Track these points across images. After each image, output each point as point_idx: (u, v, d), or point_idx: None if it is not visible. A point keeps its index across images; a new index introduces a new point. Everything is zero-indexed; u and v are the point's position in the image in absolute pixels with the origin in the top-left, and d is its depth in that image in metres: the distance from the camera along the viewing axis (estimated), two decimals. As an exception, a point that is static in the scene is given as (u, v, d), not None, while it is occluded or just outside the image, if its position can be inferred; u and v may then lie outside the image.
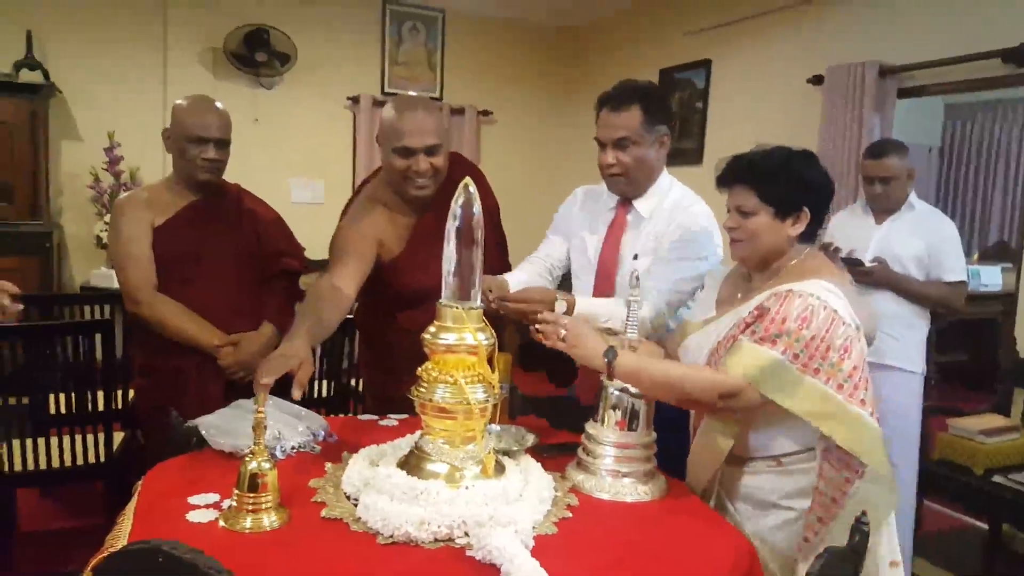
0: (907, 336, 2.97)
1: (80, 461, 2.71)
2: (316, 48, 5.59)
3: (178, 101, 2.42)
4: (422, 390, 1.51)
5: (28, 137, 4.74)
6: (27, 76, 4.81)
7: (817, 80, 4.24)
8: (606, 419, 1.67)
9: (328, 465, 1.67)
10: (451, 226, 1.51)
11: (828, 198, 1.72)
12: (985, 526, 3.29)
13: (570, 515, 1.50)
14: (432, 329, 1.52)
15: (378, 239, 2.25)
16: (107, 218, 4.79)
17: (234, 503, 1.38)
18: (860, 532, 1.35)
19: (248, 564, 1.19)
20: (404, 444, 1.69)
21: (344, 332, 3.01)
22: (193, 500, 1.45)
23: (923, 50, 3.78)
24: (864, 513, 1.39)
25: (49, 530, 3.14)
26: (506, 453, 1.65)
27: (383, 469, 1.48)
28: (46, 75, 4.85)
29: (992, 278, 5.47)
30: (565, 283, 2.34)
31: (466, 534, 1.33)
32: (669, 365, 1.69)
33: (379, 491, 1.41)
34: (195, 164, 2.35)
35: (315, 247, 2.82)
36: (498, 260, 2.38)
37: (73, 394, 2.72)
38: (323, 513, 1.43)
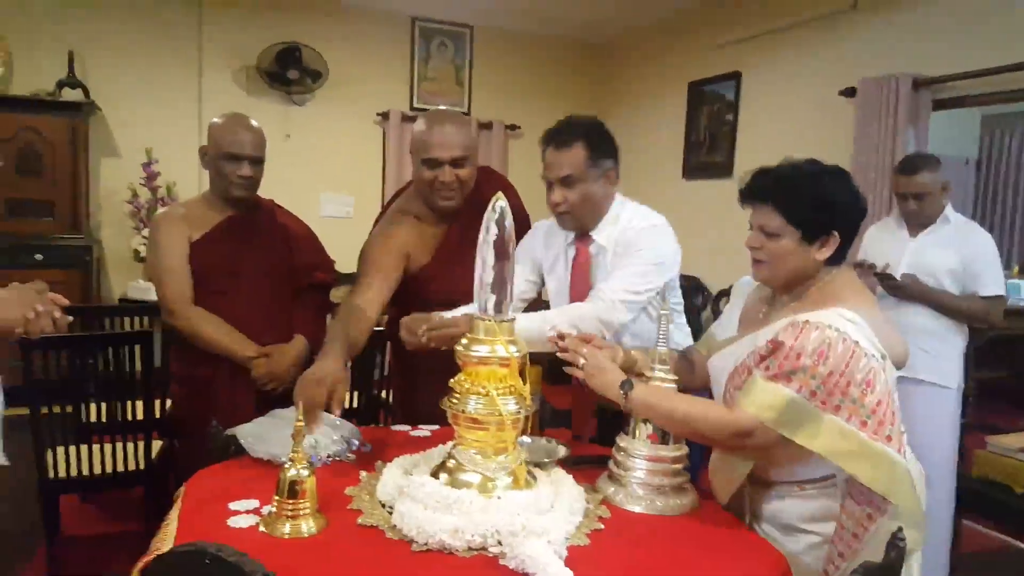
0: (941, 350, 2.93)
1: (120, 468, 2.78)
2: (347, 65, 5.68)
3: (214, 119, 2.49)
4: (455, 401, 1.54)
5: (69, 154, 4.88)
6: (69, 95, 4.95)
7: (849, 92, 4.21)
8: (637, 432, 1.68)
9: (362, 473, 1.70)
10: (484, 239, 1.54)
11: (860, 220, 1.62)
12: (1024, 546, 3.23)
13: (602, 527, 1.51)
14: (464, 341, 1.55)
15: (406, 252, 2.31)
16: (144, 232, 4.91)
17: (273, 509, 1.41)
18: (896, 548, 1.33)
19: (287, 569, 1.22)
20: (436, 454, 1.71)
21: (374, 344, 3.04)
22: (233, 506, 1.48)
23: (959, 61, 3.73)
24: (901, 529, 1.37)
25: (90, 535, 3.21)
26: (537, 465, 1.67)
27: (417, 478, 1.51)
28: (86, 93, 4.99)
29: (1033, 292, 5.39)
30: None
31: (499, 543, 1.35)
32: (683, 401, 1.62)
33: (413, 499, 1.44)
34: (230, 181, 2.42)
35: (345, 261, 2.87)
36: None
37: (116, 403, 2.79)
38: (359, 520, 1.45)
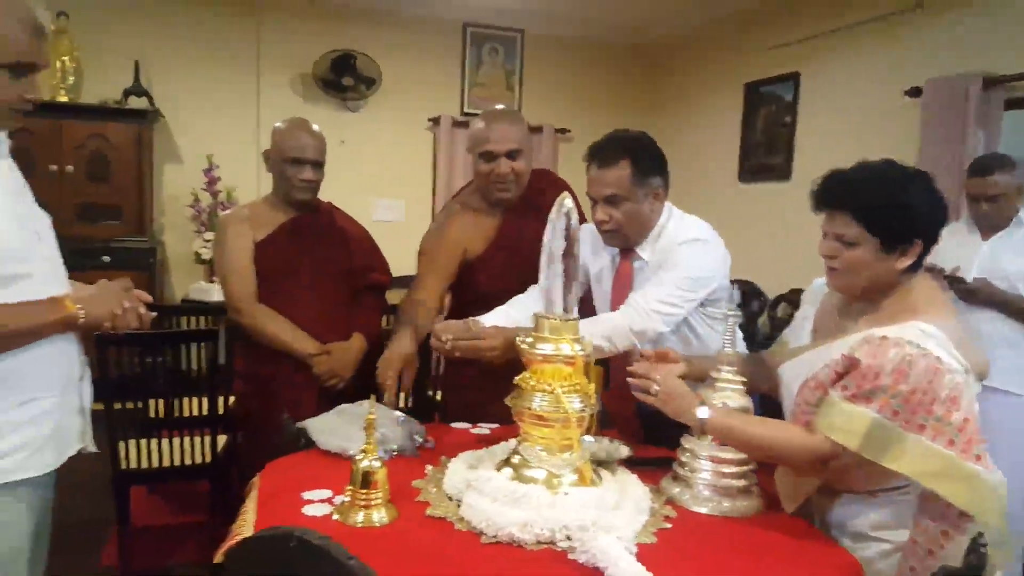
0: (1015, 357, 2.83)
1: (188, 461, 2.87)
2: (399, 71, 5.76)
3: (277, 124, 2.56)
4: (519, 398, 1.56)
5: (135, 160, 5.04)
6: (135, 102, 5.12)
7: (915, 93, 4.10)
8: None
9: (428, 467, 1.73)
10: (549, 239, 1.56)
11: (942, 226, 1.54)
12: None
13: (669, 526, 1.51)
14: (529, 339, 1.57)
15: (462, 244, 2.41)
16: (206, 236, 5.04)
17: (347, 499, 1.45)
18: (977, 553, 1.31)
19: (362, 557, 1.25)
20: (499, 450, 1.74)
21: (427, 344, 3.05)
22: (307, 495, 1.53)
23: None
24: (982, 534, 1.34)
25: (157, 525, 3.31)
26: (600, 463, 1.68)
27: (484, 472, 1.53)
28: (151, 101, 5.15)
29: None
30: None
31: (568, 538, 1.37)
32: (762, 426, 1.58)
33: (481, 493, 1.46)
34: (293, 184, 2.49)
35: (396, 264, 2.93)
36: None
37: (183, 399, 2.88)
38: (428, 512, 1.49)
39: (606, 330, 1.93)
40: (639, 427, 2.11)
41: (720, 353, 1.73)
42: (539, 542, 1.37)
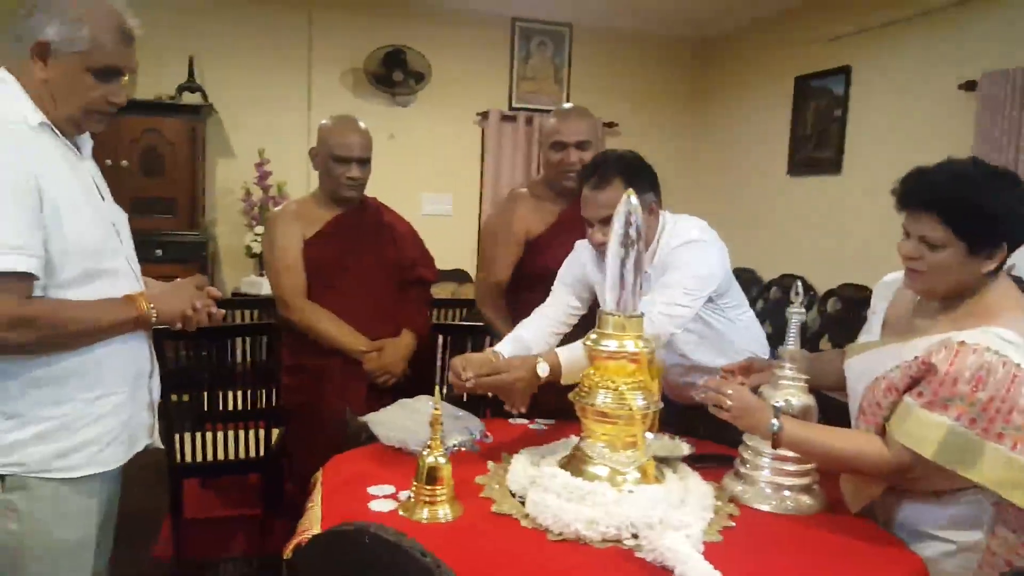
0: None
1: (242, 455, 2.91)
2: (448, 66, 5.77)
3: (323, 122, 2.57)
4: (583, 394, 1.55)
5: (189, 154, 5.13)
6: (188, 98, 5.20)
7: (969, 86, 4.01)
8: (766, 430, 1.66)
9: (490, 463, 1.73)
10: (614, 236, 1.55)
11: None
12: None
13: (733, 524, 1.50)
14: (593, 336, 1.57)
15: (526, 226, 2.55)
16: (256, 229, 5.11)
17: (412, 494, 1.46)
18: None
19: (430, 552, 1.26)
20: (561, 447, 1.74)
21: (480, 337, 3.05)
22: (372, 490, 1.54)
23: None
24: None
25: (209, 518, 3.37)
26: (662, 460, 1.67)
27: (548, 469, 1.53)
28: (205, 97, 5.23)
29: None
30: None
31: (634, 536, 1.36)
32: (835, 438, 1.55)
33: (546, 490, 1.46)
34: (339, 182, 2.52)
35: (444, 258, 2.95)
36: None
37: (236, 392, 2.92)
38: (493, 508, 1.49)
39: None
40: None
41: (782, 350, 1.71)
42: (605, 540, 1.37)
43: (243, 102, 5.47)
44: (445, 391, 1.92)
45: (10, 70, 1.51)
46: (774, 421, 1.56)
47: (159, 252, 4.98)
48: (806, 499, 1.62)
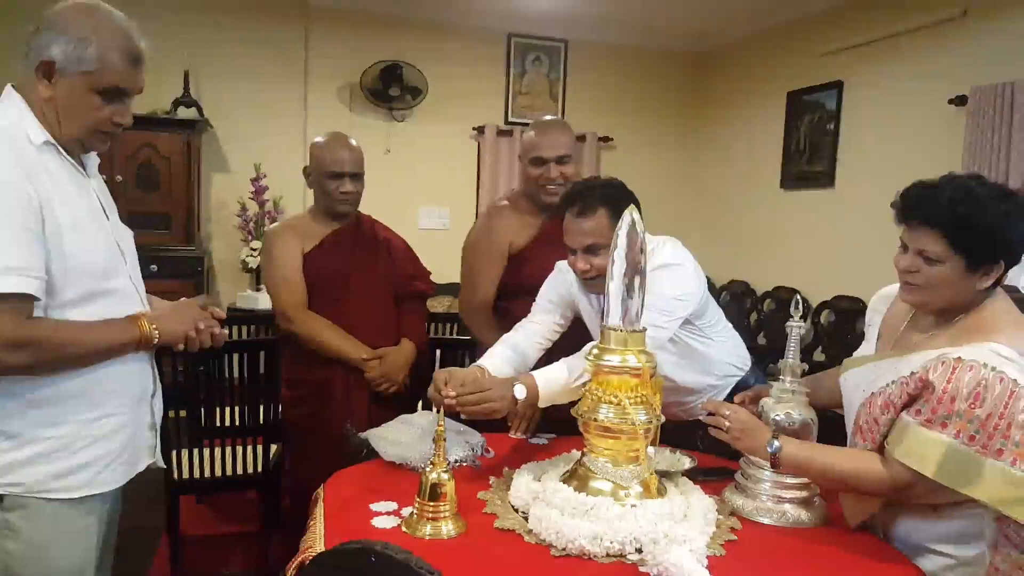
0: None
1: (239, 471, 2.90)
2: (445, 81, 5.79)
3: (316, 139, 2.62)
4: (585, 409, 1.56)
5: (184, 169, 5.12)
6: (184, 113, 5.20)
7: (960, 101, 4.06)
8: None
9: (492, 479, 1.73)
10: (615, 251, 1.55)
11: None
12: None
13: (735, 538, 1.50)
14: (596, 351, 1.57)
15: (509, 239, 2.54)
16: (252, 244, 5.11)
17: (415, 511, 1.46)
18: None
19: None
20: (561, 462, 1.74)
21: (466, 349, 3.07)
22: (374, 507, 1.54)
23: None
24: None
25: (206, 534, 3.34)
26: (663, 475, 1.67)
27: (551, 484, 1.53)
28: (200, 111, 5.24)
29: None
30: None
31: (638, 550, 1.36)
32: (835, 458, 1.55)
33: (549, 505, 1.46)
34: (334, 197, 2.56)
35: (442, 272, 2.96)
36: None
37: (232, 408, 2.91)
38: (496, 524, 1.49)
39: None
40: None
41: (782, 363, 1.72)
42: (609, 555, 1.37)
43: (239, 117, 5.48)
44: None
45: (19, 88, 1.51)
46: (774, 442, 1.57)
47: (154, 267, 4.93)
48: (807, 513, 1.62)
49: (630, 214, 1.57)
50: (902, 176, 1.58)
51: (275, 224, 2.87)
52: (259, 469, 2.93)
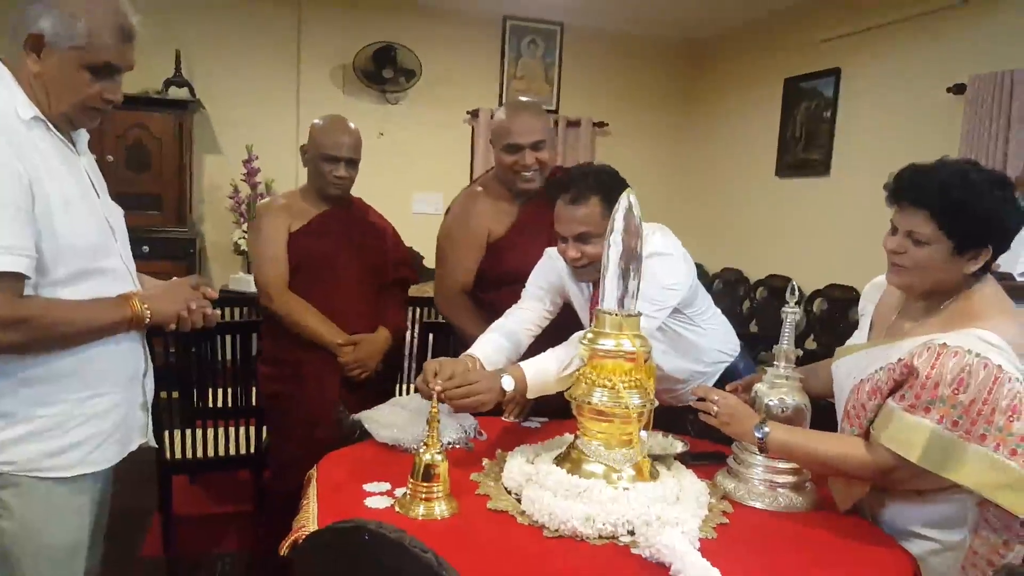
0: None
1: (232, 451, 2.90)
2: (439, 64, 5.76)
3: (316, 120, 2.60)
4: (579, 393, 1.56)
5: (175, 150, 5.09)
6: (175, 93, 5.16)
7: (958, 89, 4.06)
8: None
9: (485, 461, 1.74)
10: (612, 234, 1.55)
11: (1016, 233, 1.49)
12: None
13: (727, 521, 1.51)
14: (590, 335, 1.57)
15: (487, 228, 2.47)
16: (244, 226, 5.08)
17: (408, 491, 1.46)
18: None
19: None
20: (554, 444, 1.75)
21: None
22: (367, 487, 1.54)
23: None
24: None
25: (198, 514, 3.35)
26: (656, 458, 1.68)
27: (543, 466, 1.53)
28: (192, 92, 5.19)
29: None
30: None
31: (630, 532, 1.37)
32: (821, 442, 1.57)
33: (542, 487, 1.47)
34: (327, 180, 2.54)
35: (433, 257, 2.93)
36: None
37: (224, 389, 2.91)
38: (489, 505, 1.49)
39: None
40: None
41: (777, 349, 1.72)
42: (601, 537, 1.37)
43: (231, 98, 5.44)
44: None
45: (7, 62, 1.49)
46: (762, 427, 1.58)
47: (146, 249, 4.91)
48: (798, 496, 1.63)
49: (627, 197, 1.56)
50: (899, 165, 1.57)
51: (266, 200, 2.85)
52: (251, 450, 2.94)
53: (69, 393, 1.51)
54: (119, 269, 1.59)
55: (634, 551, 1.33)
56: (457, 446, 1.83)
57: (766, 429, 1.58)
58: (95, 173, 1.64)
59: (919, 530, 1.54)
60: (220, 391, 2.95)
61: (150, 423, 1.73)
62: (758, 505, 1.61)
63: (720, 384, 1.99)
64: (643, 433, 1.71)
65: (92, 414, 1.54)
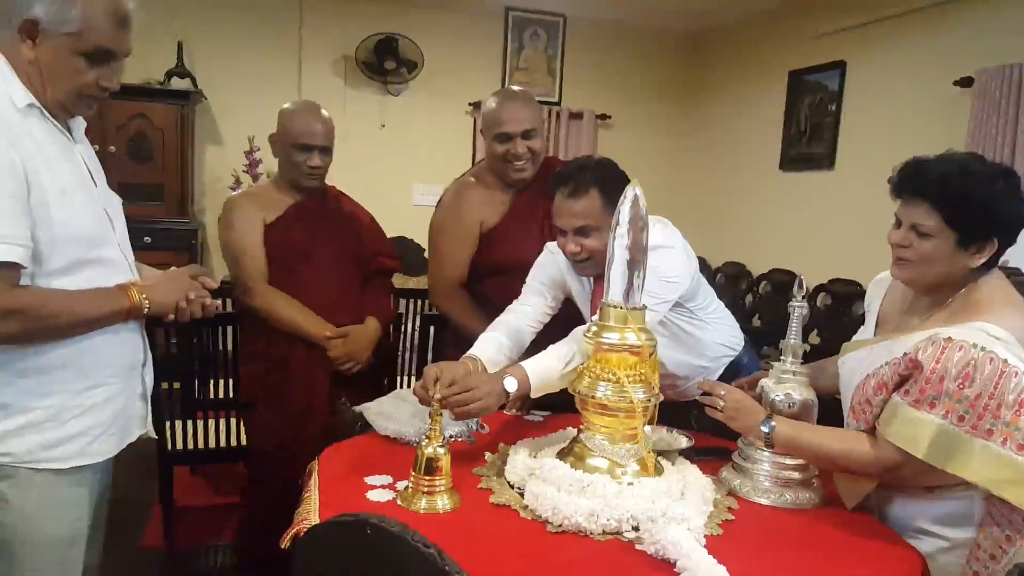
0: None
1: (233, 442, 2.88)
2: (441, 55, 5.73)
3: (285, 106, 2.50)
4: (583, 387, 1.54)
5: (177, 141, 5.06)
6: (177, 83, 5.14)
7: (965, 82, 4.02)
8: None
9: (487, 454, 1.72)
10: (617, 227, 1.53)
11: (1021, 227, 1.49)
12: None
13: (732, 518, 1.50)
14: (594, 328, 1.55)
15: (479, 219, 2.45)
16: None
17: (410, 484, 1.44)
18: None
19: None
20: (557, 439, 1.73)
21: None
22: (369, 480, 1.53)
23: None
24: None
25: (199, 505, 3.35)
26: (660, 453, 1.66)
27: (547, 460, 1.52)
28: (194, 82, 5.17)
29: None
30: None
31: (634, 528, 1.35)
32: (827, 438, 1.56)
33: (546, 481, 1.45)
34: (300, 170, 2.44)
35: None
36: None
37: (227, 380, 2.90)
38: (491, 499, 1.48)
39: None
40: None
41: (783, 344, 1.70)
42: (605, 532, 1.36)
43: (233, 88, 5.41)
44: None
45: (1, 49, 1.46)
46: (768, 422, 1.57)
47: (147, 239, 4.91)
48: (804, 493, 1.61)
49: (633, 189, 1.54)
50: (904, 159, 1.56)
51: (235, 193, 2.77)
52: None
53: (67, 384, 1.49)
54: (117, 259, 1.58)
55: (638, 547, 1.31)
56: (459, 439, 1.82)
57: (772, 424, 1.57)
58: (92, 161, 1.62)
59: (927, 527, 1.53)
60: (222, 382, 2.94)
61: (150, 414, 1.71)
62: (764, 501, 1.60)
63: (724, 379, 1.98)
64: (647, 428, 1.70)
65: (90, 405, 1.53)
